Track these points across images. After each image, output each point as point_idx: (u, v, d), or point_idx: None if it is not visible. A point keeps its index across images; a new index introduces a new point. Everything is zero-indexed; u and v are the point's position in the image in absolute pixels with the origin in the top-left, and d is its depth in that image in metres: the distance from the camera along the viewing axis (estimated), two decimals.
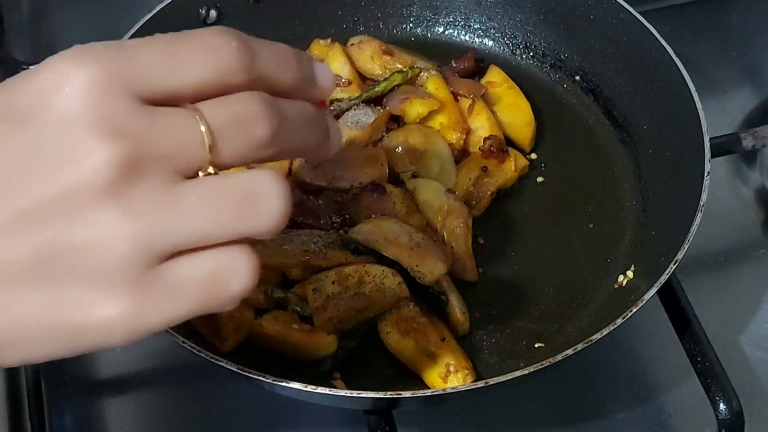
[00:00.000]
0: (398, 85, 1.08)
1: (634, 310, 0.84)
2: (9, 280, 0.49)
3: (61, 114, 0.48)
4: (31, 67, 0.51)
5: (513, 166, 1.06)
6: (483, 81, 1.15)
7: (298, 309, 0.93)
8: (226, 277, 0.51)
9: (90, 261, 0.49)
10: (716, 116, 1.07)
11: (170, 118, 0.50)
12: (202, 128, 0.50)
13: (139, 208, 0.49)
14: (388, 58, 1.14)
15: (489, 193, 1.05)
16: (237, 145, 0.52)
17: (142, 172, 0.49)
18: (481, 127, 1.09)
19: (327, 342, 0.91)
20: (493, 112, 1.11)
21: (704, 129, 0.97)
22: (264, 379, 0.80)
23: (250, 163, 0.55)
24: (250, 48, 0.53)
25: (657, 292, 0.86)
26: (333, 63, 1.13)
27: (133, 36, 1.07)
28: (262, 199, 0.51)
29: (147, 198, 0.49)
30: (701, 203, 0.91)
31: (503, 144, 1.07)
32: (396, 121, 1.08)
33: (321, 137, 0.59)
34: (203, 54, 0.52)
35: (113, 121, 0.48)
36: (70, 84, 0.49)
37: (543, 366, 0.81)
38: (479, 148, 1.06)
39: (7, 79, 0.51)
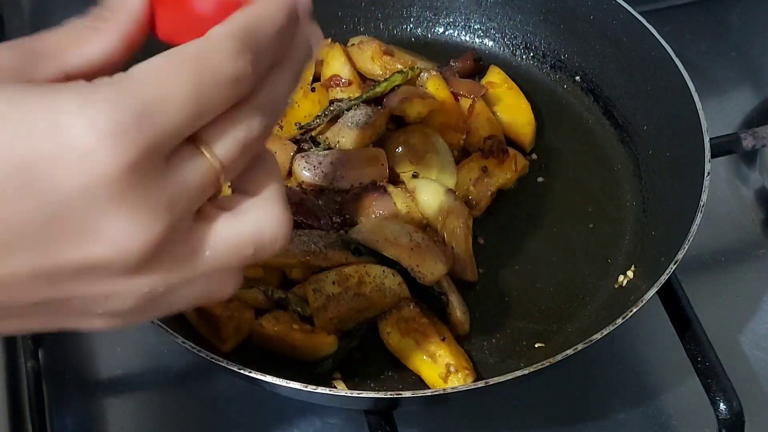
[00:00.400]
0: (398, 86, 1.08)
1: (634, 310, 0.84)
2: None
3: (89, 180, 0.44)
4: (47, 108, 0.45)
5: (513, 166, 1.06)
6: (483, 81, 1.15)
7: (299, 309, 0.93)
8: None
9: (96, 306, 0.49)
10: (716, 116, 1.07)
11: (192, 173, 0.49)
12: (217, 166, 0.50)
13: (159, 272, 0.49)
14: (389, 58, 1.14)
15: (489, 193, 1.05)
16: (242, 164, 0.52)
17: (170, 236, 0.48)
18: (481, 127, 1.09)
19: (327, 342, 0.91)
20: (493, 113, 1.11)
21: (704, 129, 0.97)
22: (264, 379, 0.80)
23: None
24: (260, 64, 0.51)
25: (657, 292, 0.86)
26: (333, 63, 1.13)
27: None
28: (269, 245, 0.52)
29: (169, 259, 0.49)
30: (701, 203, 0.91)
31: (503, 144, 1.07)
32: (396, 121, 1.08)
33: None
34: (227, 92, 0.49)
35: (143, 195, 0.46)
36: (96, 150, 0.44)
37: (543, 366, 0.81)
38: (479, 148, 1.06)
39: (14, 109, 0.45)
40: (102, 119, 0.44)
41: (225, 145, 0.50)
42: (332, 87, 1.11)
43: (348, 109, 1.05)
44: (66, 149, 0.44)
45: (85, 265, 0.46)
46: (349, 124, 1.04)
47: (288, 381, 0.80)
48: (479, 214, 1.05)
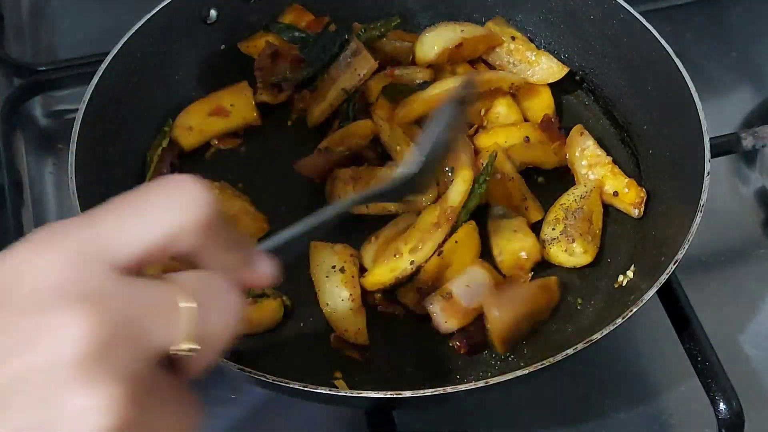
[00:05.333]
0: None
1: (634, 310, 0.84)
2: None
3: (36, 291, 0.49)
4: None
5: (557, 149, 1.08)
6: None
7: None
8: None
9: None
10: (716, 116, 1.07)
11: (147, 288, 0.52)
12: (182, 302, 0.52)
13: (109, 390, 0.48)
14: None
15: (519, 162, 1.07)
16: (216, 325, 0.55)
17: (116, 346, 0.49)
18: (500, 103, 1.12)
19: (272, 308, 0.93)
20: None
21: (704, 129, 0.97)
22: (264, 379, 0.80)
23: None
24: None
25: (657, 292, 0.86)
26: None
27: (133, 35, 1.07)
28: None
29: (118, 383, 0.49)
30: (701, 203, 0.91)
31: (557, 124, 1.10)
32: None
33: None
34: (168, 211, 0.53)
35: (86, 292, 0.49)
36: (41, 264, 0.49)
37: (543, 366, 0.81)
38: (540, 122, 1.10)
39: None
40: (44, 231, 0.51)
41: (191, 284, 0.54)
42: None
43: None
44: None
45: (34, 367, 0.48)
46: None
47: (288, 381, 0.80)
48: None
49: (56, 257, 0.49)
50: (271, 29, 1.19)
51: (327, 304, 0.96)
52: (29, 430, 0.48)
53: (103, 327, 0.48)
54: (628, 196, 1.03)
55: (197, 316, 0.53)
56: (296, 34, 1.17)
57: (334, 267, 0.96)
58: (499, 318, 0.91)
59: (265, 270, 0.60)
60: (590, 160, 1.07)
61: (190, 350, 0.53)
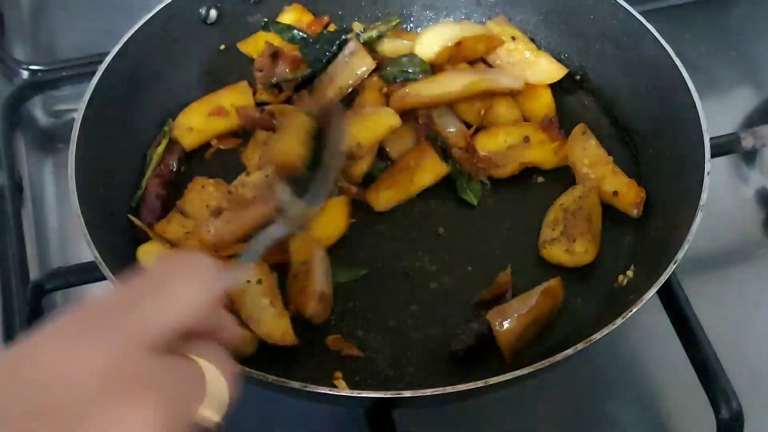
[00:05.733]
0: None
1: (634, 310, 0.84)
2: None
3: (83, 386, 0.51)
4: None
5: (556, 149, 1.08)
6: None
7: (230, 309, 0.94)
8: None
9: None
10: (716, 116, 1.07)
11: (182, 365, 0.56)
12: (207, 374, 0.57)
13: None
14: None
15: (519, 163, 1.08)
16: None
17: (175, 424, 0.53)
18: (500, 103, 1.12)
19: (248, 338, 0.92)
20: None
21: (704, 129, 0.97)
22: (264, 379, 0.80)
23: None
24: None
25: (657, 292, 0.86)
26: None
27: (133, 36, 1.07)
28: None
29: None
30: (701, 203, 0.91)
31: (557, 124, 1.10)
32: None
33: None
34: (192, 293, 0.58)
35: (135, 377, 0.52)
36: (82, 356, 0.51)
37: (543, 366, 0.81)
38: (541, 122, 1.10)
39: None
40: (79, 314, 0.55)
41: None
42: None
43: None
44: None
45: None
46: None
47: (288, 381, 0.80)
48: (502, 176, 1.08)
49: (96, 346, 0.52)
50: (271, 29, 1.19)
51: (249, 317, 0.93)
52: None
53: (164, 410, 0.52)
54: (628, 196, 1.03)
55: (219, 385, 0.58)
56: (296, 34, 1.17)
57: (249, 281, 0.94)
58: (507, 331, 0.91)
59: (237, 331, 0.66)
60: (591, 159, 1.07)
61: (213, 416, 0.58)
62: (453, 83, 1.09)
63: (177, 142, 1.10)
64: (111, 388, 0.50)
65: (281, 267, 0.98)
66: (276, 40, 1.17)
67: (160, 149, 1.08)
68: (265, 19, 1.20)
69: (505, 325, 0.91)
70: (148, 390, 0.51)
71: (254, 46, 1.18)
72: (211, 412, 0.57)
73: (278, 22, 1.19)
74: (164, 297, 0.56)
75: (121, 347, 0.52)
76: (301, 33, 1.17)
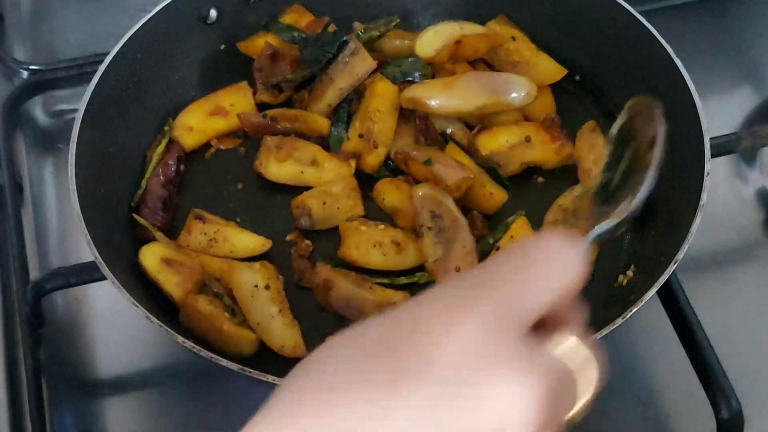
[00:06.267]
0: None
1: (634, 310, 0.84)
2: None
3: (461, 358, 0.49)
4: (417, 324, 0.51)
5: (558, 148, 1.08)
6: None
7: (233, 307, 0.95)
8: None
9: None
10: (716, 116, 1.07)
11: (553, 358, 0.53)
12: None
13: None
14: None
15: (521, 162, 1.08)
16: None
17: (551, 418, 0.51)
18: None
19: (250, 339, 0.92)
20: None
21: (704, 129, 0.97)
22: (264, 379, 0.80)
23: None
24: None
25: (657, 291, 0.86)
26: None
27: (133, 35, 1.07)
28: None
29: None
30: (701, 203, 0.91)
31: (558, 124, 1.10)
32: None
33: None
34: (558, 273, 0.54)
35: (510, 357, 0.49)
36: (459, 328, 0.49)
37: None
38: (542, 122, 1.10)
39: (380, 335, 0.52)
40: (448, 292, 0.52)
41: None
42: None
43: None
44: None
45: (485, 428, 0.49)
46: None
47: None
48: (504, 177, 1.08)
49: (473, 320, 0.49)
50: (271, 29, 1.19)
51: (258, 324, 0.94)
52: None
53: (546, 397, 0.49)
54: None
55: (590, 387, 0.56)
56: (296, 34, 1.17)
57: (257, 286, 0.95)
58: None
59: (580, 316, 0.59)
60: (597, 156, 1.07)
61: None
62: (466, 103, 1.09)
63: (177, 142, 1.10)
64: (487, 363, 0.49)
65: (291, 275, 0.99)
66: (276, 40, 1.17)
67: (160, 149, 1.08)
68: (266, 20, 1.20)
69: None
70: (527, 373, 0.49)
71: (254, 46, 1.18)
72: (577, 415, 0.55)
73: (278, 23, 1.19)
74: (533, 278, 0.53)
75: (495, 325, 0.50)
76: (301, 33, 1.17)
